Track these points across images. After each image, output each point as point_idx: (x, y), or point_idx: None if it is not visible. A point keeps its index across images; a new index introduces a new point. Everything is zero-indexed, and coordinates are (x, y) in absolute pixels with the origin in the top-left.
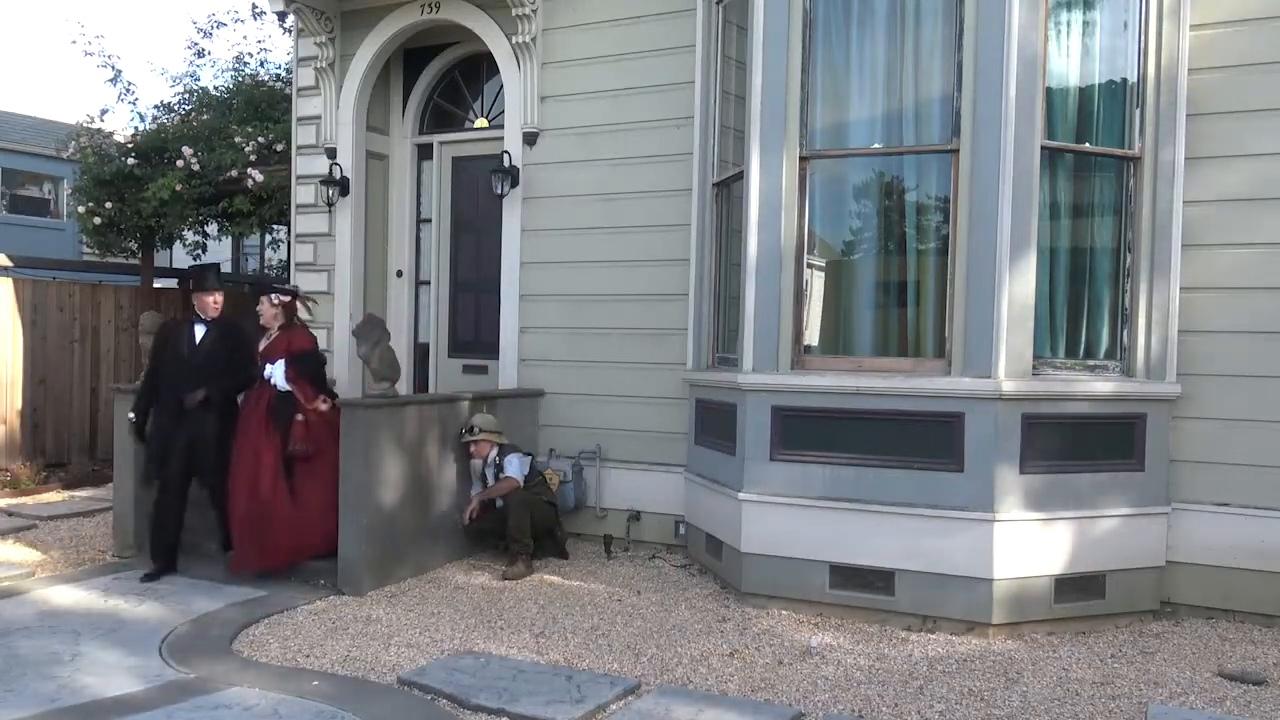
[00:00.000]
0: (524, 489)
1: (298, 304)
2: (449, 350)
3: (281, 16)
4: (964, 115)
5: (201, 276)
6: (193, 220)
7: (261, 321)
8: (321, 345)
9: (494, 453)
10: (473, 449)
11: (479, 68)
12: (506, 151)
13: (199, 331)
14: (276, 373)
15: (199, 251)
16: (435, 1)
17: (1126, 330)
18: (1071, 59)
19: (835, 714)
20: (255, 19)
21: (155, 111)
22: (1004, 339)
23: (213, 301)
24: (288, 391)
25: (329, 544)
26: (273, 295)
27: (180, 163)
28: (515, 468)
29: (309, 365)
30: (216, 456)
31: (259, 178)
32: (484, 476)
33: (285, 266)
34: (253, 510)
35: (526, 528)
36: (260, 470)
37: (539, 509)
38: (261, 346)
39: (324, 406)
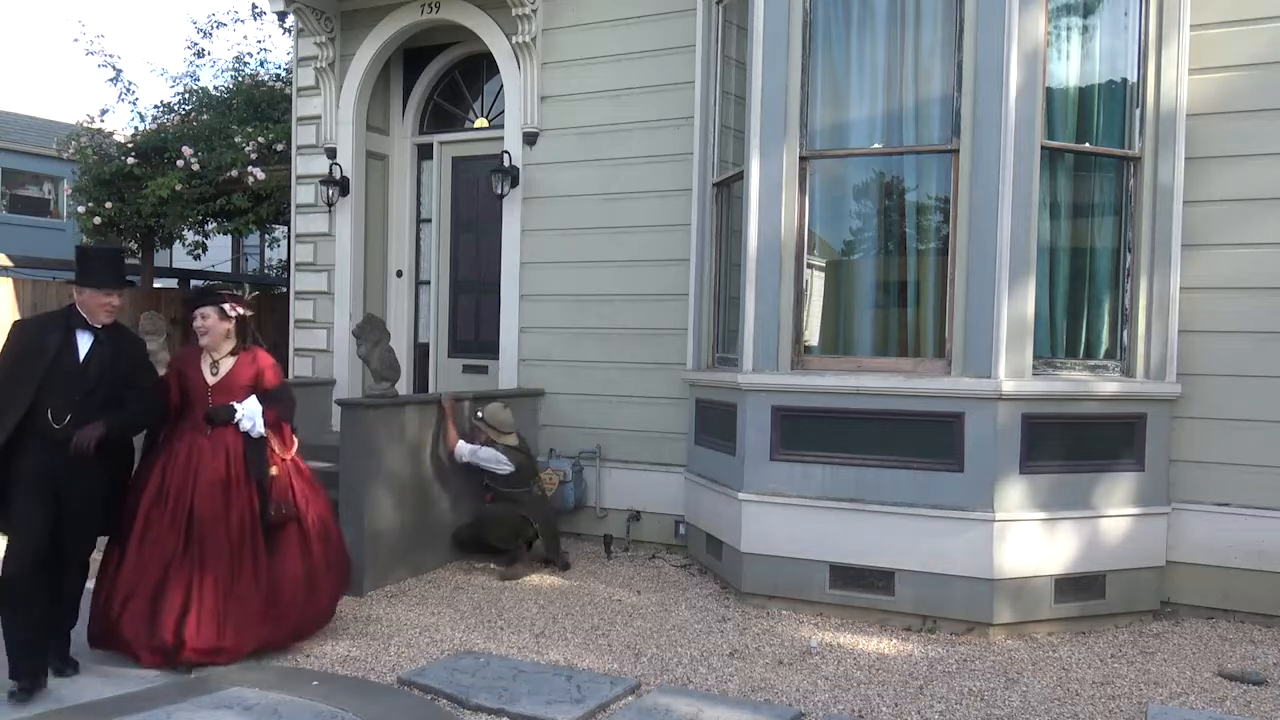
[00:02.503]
0: (504, 492)
1: (251, 315)
2: (449, 350)
3: (281, 16)
4: (964, 115)
5: (95, 262)
6: (192, 220)
7: (204, 341)
8: (321, 345)
9: (486, 448)
10: (473, 433)
11: (479, 68)
12: (506, 151)
13: (83, 342)
14: (255, 417)
15: (199, 251)
16: (435, 1)
17: (1126, 330)
18: (1071, 59)
19: (835, 714)
20: (255, 19)
21: (155, 111)
22: (1004, 339)
23: (107, 305)
24: (262, 438)
25: (318, 621)
26: (225, 305)
27: (180, 163)
28: (475, 451)
29: (289, 405)
30: (99, 524)
31: (260, 176)
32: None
33: (285, 266)
34: (230, 590)
35: (507, 536)
36: (240, 546)
37: (507, 522)
38: (211, 375)
39: (293, 454)
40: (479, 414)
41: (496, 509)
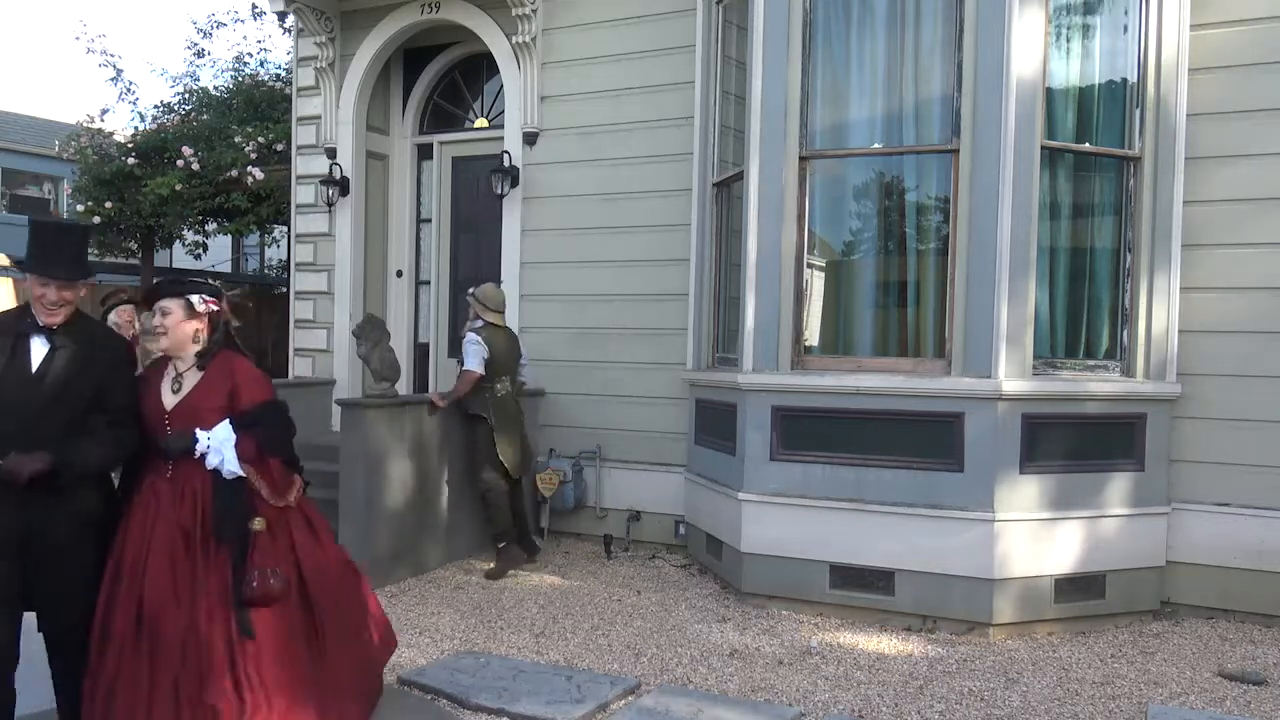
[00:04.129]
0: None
1: (230, 311)
2: (449, 350)
3: (281, 16)
4: (964, 115)
5: (40, 240)
6: (192, 220)
7: (163, 345)
8: (321, 345)
9: (477, 325)
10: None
11: (479, 68)
12: (506, 151)
13: (37, 349)
14: (224, 448)
15: (199, 251)
16: (435, 1)
17: (1126, 330)
18: (1072, 59)
19: (835, 714)
20: (255, 19)
21: (155, 111)
22: (1004, 339)
23: (44, 298)
24: (238, 479)
25: None
26: (194, 297)
27: (180, 162)
28: (471, 358)
29: (280, 431)
30: (75, 582)
31: (259, 176)
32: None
33: (285, 266)
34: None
35: (501, 520)
36: (207, 638)
37: (496, 495)
38: (172, 394)
39: (294, 498)
40: (471, 291)
41: (488, 491)
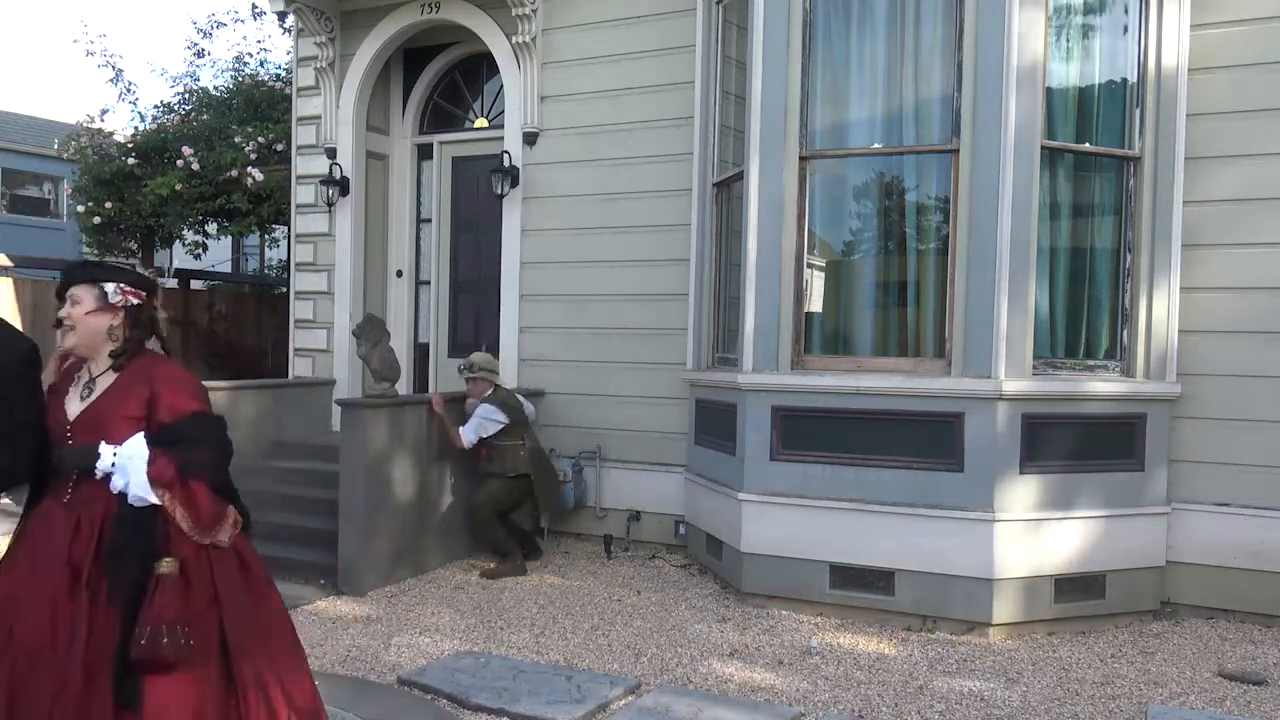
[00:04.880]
0: (500, 445)
1: (156, 305)
2: (449, 350)
3: (281, 16)
4: (964, 115)
5: None
6: (192, 219)
7: (69, 344)
8: (321, 345)
9: (488, 393)
10: (469, 386)
11: (479, 68)
12: (506, 151)
13: None
14: (130, 466)
15: (199, 251)
16: (435, 1)
17: (1126, 330)
18: (1072, 59)
19: (835, 714)
20: (255, 19)
21: (155, 111)
22: (1004, 339)
23: None
24: (148, 507)
25: None
26: (108, 285)
27: (180, 162)
28: (469, 428)
29: (208, 449)
30: None
31: (259, 176)
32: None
33: (285, 266)
34: None
35: (493, 536)
36: (84, 699)
37: (490, 503)
38: (80, 400)
39: (226, 536)
40: (473, 365)
41: (479, 499)
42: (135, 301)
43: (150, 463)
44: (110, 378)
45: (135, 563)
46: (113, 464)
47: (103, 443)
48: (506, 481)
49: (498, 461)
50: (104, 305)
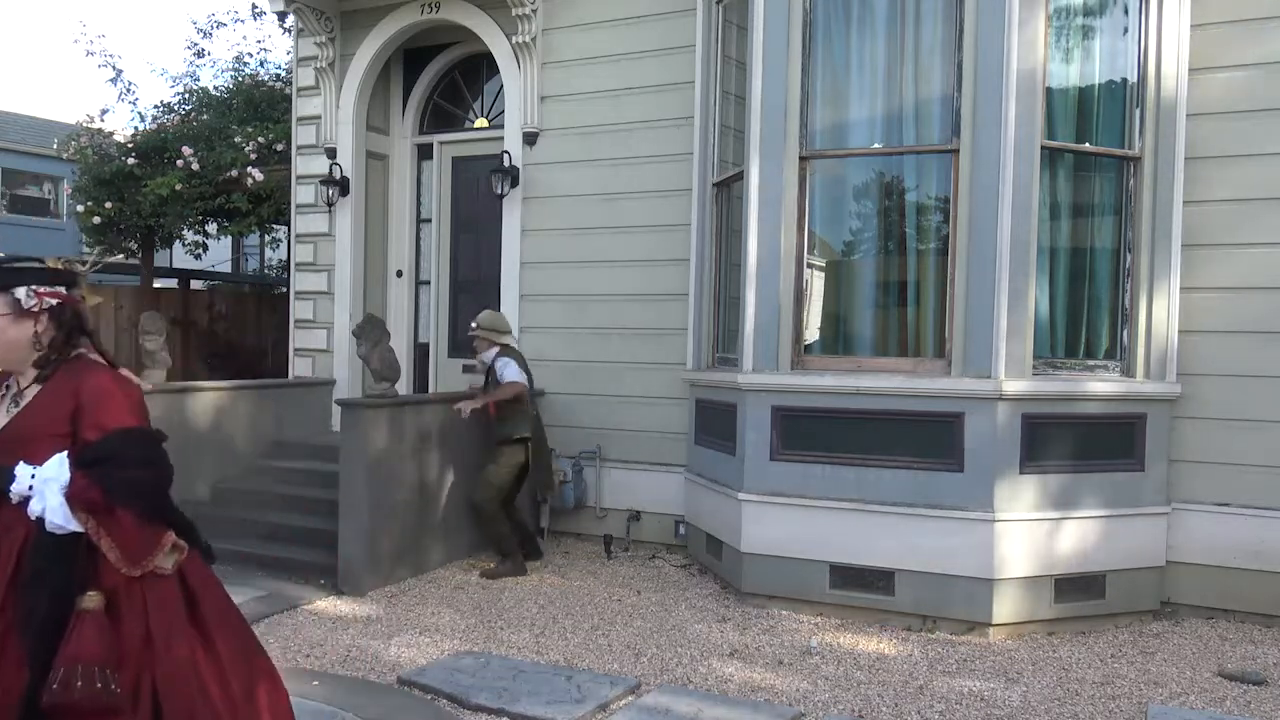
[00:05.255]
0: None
1: (80, 298)
2: (449, 350)
3: (281, 16)
4: (964, 115)
5: None
6: (192, 219)
7: None
8: (321, 345)
9: (492, 354)
10: (474, 345)
11: (479, 68)
12: (506, 151)
13: None
14: (48, 490)
15: (200, 251)
16: (435, 1)
17: (1126, 330)
18: (1071, 59)
19: (835, 714)
20: (255, 19)
21: (155, 111)
22: (1004, 339)
23: None
24: (73, 535)
25: None
26: (19, 290)
27: (180, 162)
28: (513, 371)
29: (139, 470)
30: None
31: (259, 176)
32: (485, 385)
33: (285, 266)
34: None
35: (497, 532)
36: None
37: (493, 493)
38: (8, 413)
39: (170, 564)
40: (474, 325)
41: (482, 484)
42: (54, 301)
43: (69, 486)
44: (27, 384)
45: (47, 596)
46: (29, 487)
47: (20, 463)
48: (508, 450)
49: (510, 424)
50: (19, 312)
